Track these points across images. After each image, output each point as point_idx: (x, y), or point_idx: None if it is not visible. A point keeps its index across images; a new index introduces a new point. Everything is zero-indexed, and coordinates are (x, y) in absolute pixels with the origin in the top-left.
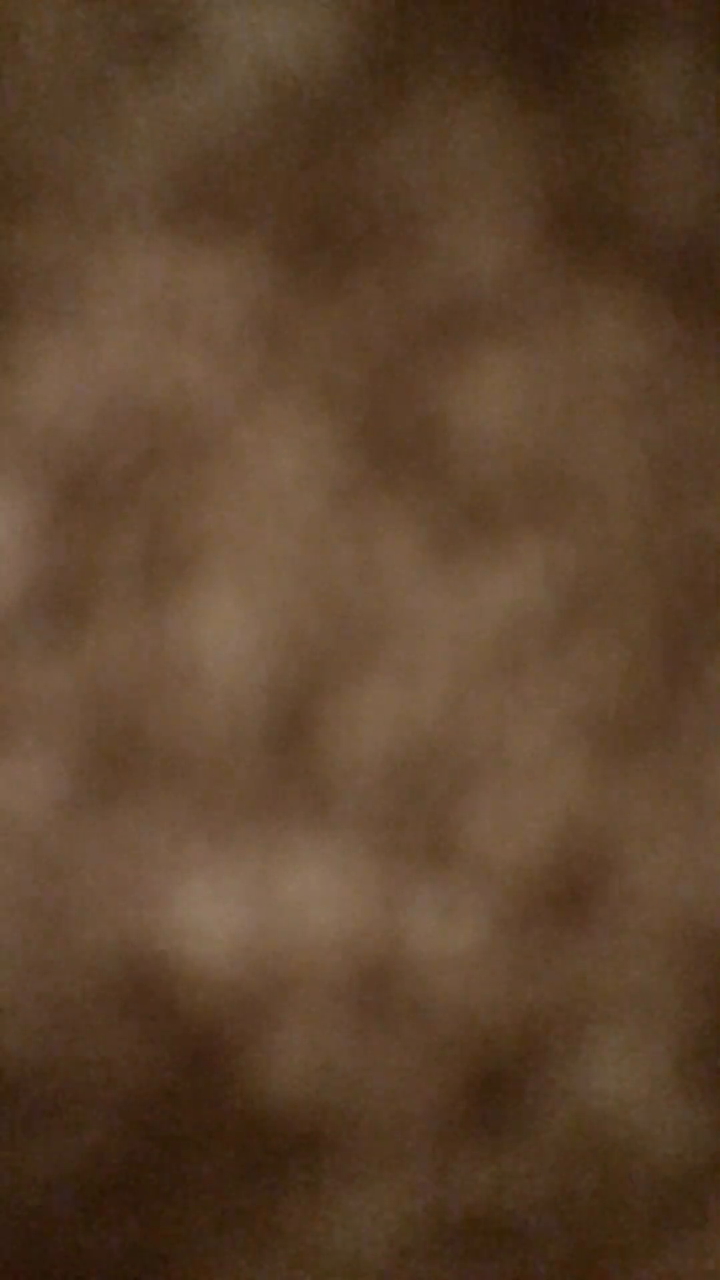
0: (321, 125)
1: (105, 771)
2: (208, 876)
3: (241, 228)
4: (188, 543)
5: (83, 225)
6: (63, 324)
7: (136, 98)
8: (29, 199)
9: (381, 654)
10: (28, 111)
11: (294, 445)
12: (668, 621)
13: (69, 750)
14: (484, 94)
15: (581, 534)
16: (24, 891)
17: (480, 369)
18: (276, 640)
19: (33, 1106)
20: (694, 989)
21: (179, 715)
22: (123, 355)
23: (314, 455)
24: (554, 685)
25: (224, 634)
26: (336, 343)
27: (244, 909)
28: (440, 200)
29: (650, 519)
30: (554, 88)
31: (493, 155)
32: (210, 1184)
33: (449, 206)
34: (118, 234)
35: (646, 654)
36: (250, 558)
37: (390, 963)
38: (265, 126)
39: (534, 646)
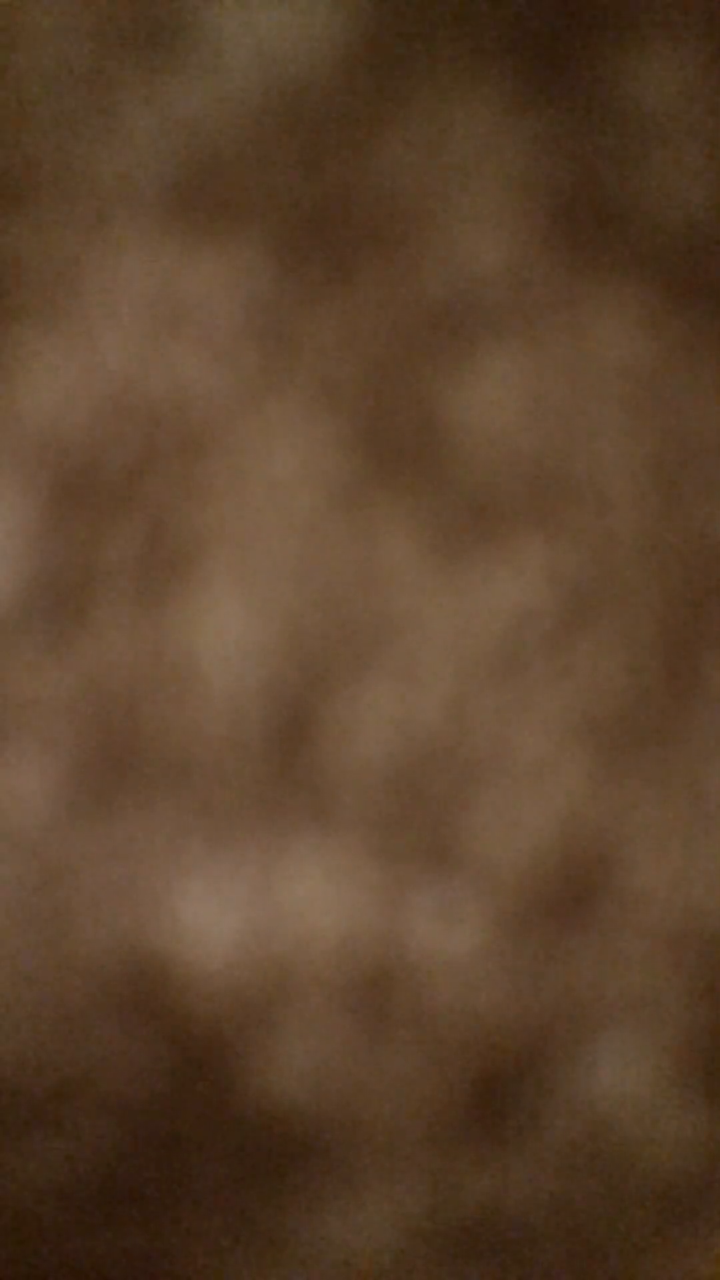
0: (321, 123)
1: (104, 773)
2: (207, 879)
3: (241, 226)
4: (187, 542)
5: (81, 223)
6: (60, 322)
7: (136, 96)
8: (26, 196)
9: (382, 655)
10: (25, 109)
11: (294, 444)
12: (671, 622)
13: (67, 751)
14: (484, 91)
15: (583, 534)
16: (22, 894)
17: (481, 368)
18: (276, 641)
19: (31, 1109)
20: (697, 992)
21: (178, 716)
22: (121, 354)
23: (314, 455)
24: (556, 686)
25: (224, 634)
26: (337, 341)
27: (244, 911)
28: (441, 198)
29: (653, 519)
30: (555, 85)
31: (493, 153)
32: (210, 1187)
33: (449, 204)
34: (116, 232)
35: (649, 655)
36: (250, 558)
37: (391, 965)
38: (265, 124)
39: (536, 647)
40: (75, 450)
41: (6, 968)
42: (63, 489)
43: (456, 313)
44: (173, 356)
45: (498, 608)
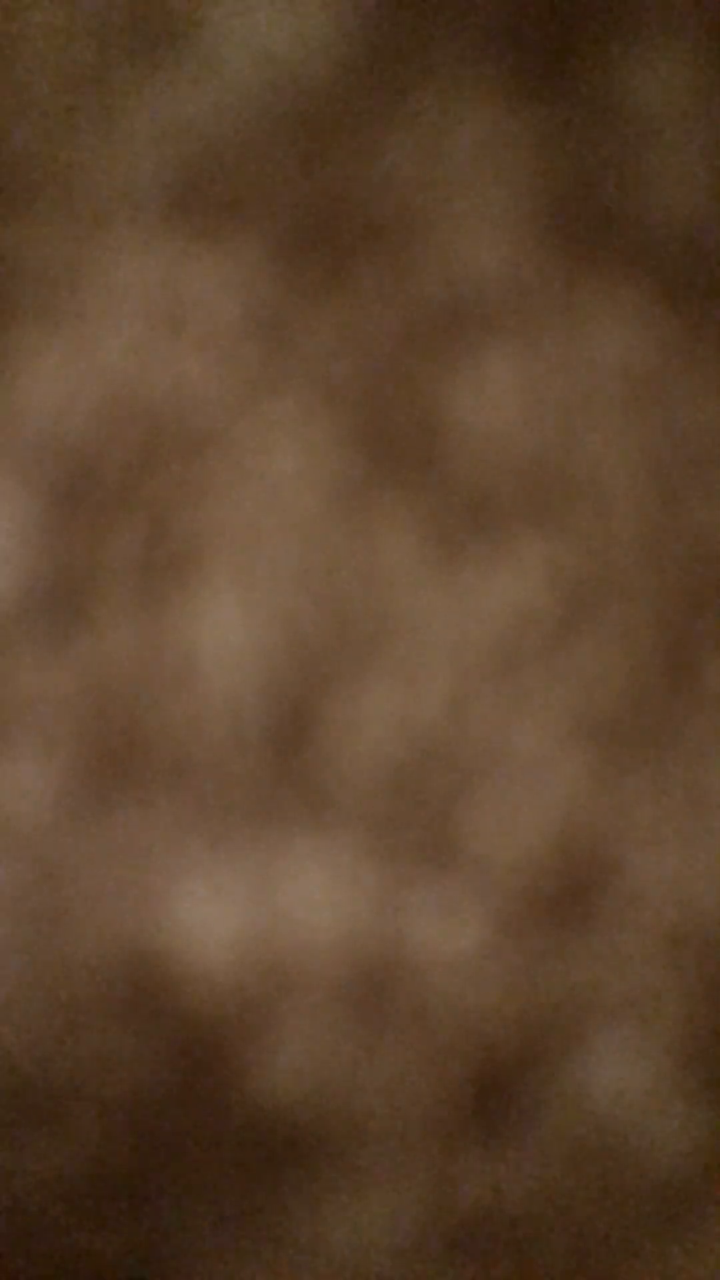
0: (320, 123)
1: (104, 772)
2: (207, 877)
3: (240, 226)
4: (187, 542)
5: (81, 224)
6: (61, 323)
7: (136, 97)
8: (27, 197)
9: (381, 654)
10: (26, 110)
11: (293, 444)
12: (668, 621)
13: (68, 750)
14: (483, 92)
15: (582, 533)
16: (23, 892)
17: (480, 367)
18: (276, 640)
19: (32, 1107)
20: (694, 990)
21: (178, 715)
22: (121, 354)
23: (313, 454)
24: (554, 685)
25: (224, 634)
26: (336, 341)
27: (243, 910)
28: (439, 198)
29: (650, 518)
30: (553, 85)
31: (492, 153)
32: (210, 1185)
33: (448, 205)
34: (116, 232)
35: (647, 654)
36: (250, 558)
37: (390, 964)
38: (264, 125)
39: (534, 647)
40: (76, 451)
41: (7, 966)
42: (63, 489)
43: (455, 312)
44: (172, 357)
45: (497, 607)
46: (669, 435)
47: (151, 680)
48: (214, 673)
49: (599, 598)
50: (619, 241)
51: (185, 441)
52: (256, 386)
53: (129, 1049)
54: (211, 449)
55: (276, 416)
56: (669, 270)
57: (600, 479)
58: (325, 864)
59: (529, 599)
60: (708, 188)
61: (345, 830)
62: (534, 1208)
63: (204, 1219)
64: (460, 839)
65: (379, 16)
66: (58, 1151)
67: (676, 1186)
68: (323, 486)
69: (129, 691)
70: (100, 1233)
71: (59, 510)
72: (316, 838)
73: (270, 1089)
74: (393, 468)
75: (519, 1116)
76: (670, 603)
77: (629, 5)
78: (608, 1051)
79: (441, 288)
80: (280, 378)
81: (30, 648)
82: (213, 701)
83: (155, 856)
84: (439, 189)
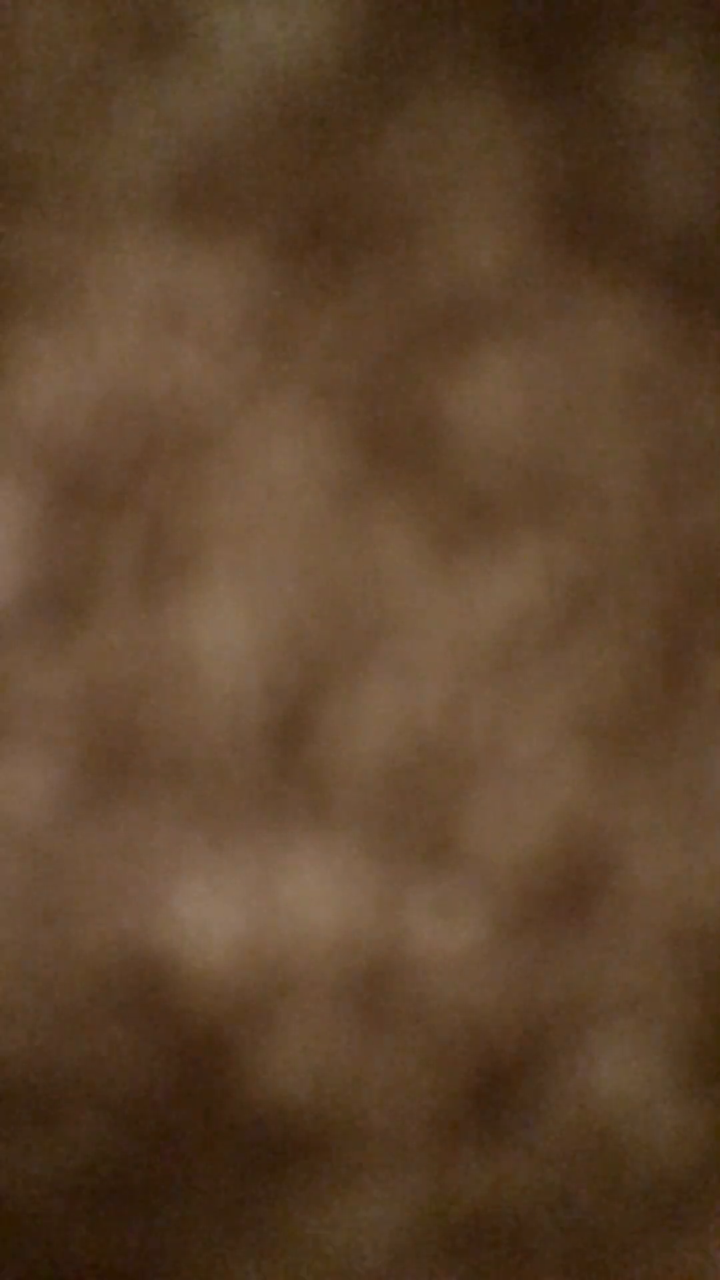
0: (320, 123)
1: (104, 771)
2: (207, 877)
3: (240, 226)
4: (186, 542)
5: (81, 224)
6: (60, 323)
7: (135, 97)
8: (27, 198)
9: (381, 654)
10: (25, 110)
11: (293, 444)
12: (668, 621)
13: (68, 750)
14: (482, 92)
15: (581, 533)
16: (22, 892)
17: (480, 368)
18: (276, 640)
19: (31, 1106)
20: (694, 989)
21: (178, 715)
22: (121, 354)
23: (313, 454)
24: (554, 685)
25: (223, 634)
26: (335, 341)
27: (243, 909)
28: (439, 198)
29: (650, 518)
30: (552, 85)
31: (491, 153)
32: (209, 1184)
33: (448, 204)
34: (116, 233)
35: (646, 653)
36: (249, 557)
37: (390, 963)
38: (263, 125)
39: (534, 646)
40: (75, 450)
41: (7, 964)
42: (63, 489)
43: (455, 312)
44: (172, 357)
45: (496, 606)
46: (669, 435)
47: (151, 680)
48: (214, 673)
49: (598, 597)
50: (618, 241)
51: (185, 441)
52: (256, 386)
53: (129, 1049)
54: (211, 448)
55: (276, 416)
56: (668, 270)
57: (599, 478)
58: (325, 863)
59: (528, 598)
60: (708, 188)
61: (345, 829)
62: (534, 1206)
63: (204, 1219)
64: (459, 837)
65: (378, 16)
66: (57, 1148)
67: (676, 1184)
68: (322, 486)
69: (129, 691)
70: (99, 1230)
71: (59, 510)
72: (316, 837)
73: (270, 1087)
74: (393, 468)
75: (519, 1115)
76: (670, 603)
77: (629, 5)
78: (607, 1050)
79: (441, 287)
80: (280, 377)
81: (30, 648)
82: (213, 701)
83: (155, 856)
84: (438, 188)
